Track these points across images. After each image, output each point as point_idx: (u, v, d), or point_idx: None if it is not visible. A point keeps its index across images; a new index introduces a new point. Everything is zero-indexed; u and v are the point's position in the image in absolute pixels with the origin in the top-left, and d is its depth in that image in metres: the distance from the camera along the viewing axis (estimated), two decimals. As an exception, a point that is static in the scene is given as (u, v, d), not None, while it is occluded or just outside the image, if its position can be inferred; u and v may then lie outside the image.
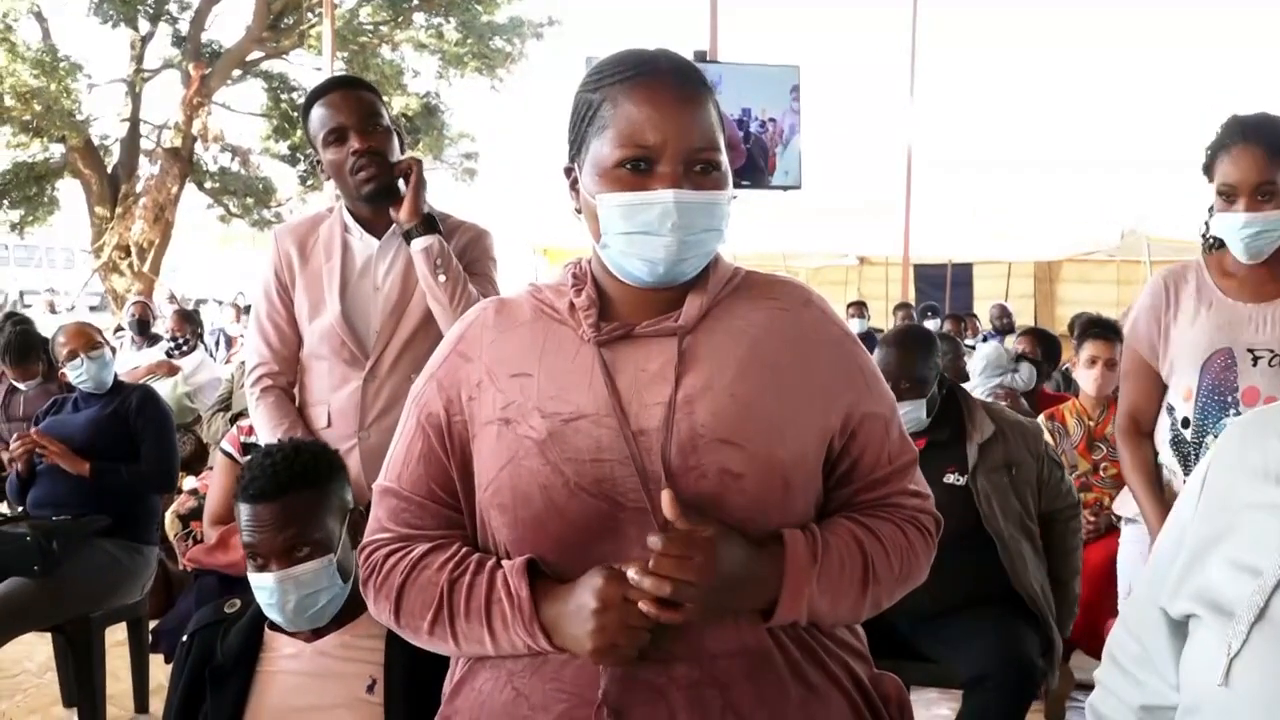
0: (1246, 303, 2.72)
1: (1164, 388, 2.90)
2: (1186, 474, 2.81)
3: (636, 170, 1.44)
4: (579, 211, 1.55)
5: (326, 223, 2.91)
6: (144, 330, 7.63)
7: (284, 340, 2.91)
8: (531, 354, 1.53)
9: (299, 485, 2.20)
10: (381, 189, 2.76)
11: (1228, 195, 2.65)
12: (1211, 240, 2.81)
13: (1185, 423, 2.78)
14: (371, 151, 2.75)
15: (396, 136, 2.84)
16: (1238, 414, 2.66)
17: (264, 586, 2.18)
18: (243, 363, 3.40)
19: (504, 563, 1.48)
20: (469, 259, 2.85)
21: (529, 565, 1.46)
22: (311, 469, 2.24)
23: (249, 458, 2.31)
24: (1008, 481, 3.29)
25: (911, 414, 3.31)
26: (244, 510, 2.20)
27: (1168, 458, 2.89)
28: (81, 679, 3.96)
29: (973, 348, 9.84)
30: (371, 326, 2.84)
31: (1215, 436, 2.68)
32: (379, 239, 2.86)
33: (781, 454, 1.47)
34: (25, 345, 5.44)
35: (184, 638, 2.39)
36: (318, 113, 2.79)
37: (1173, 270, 2.90)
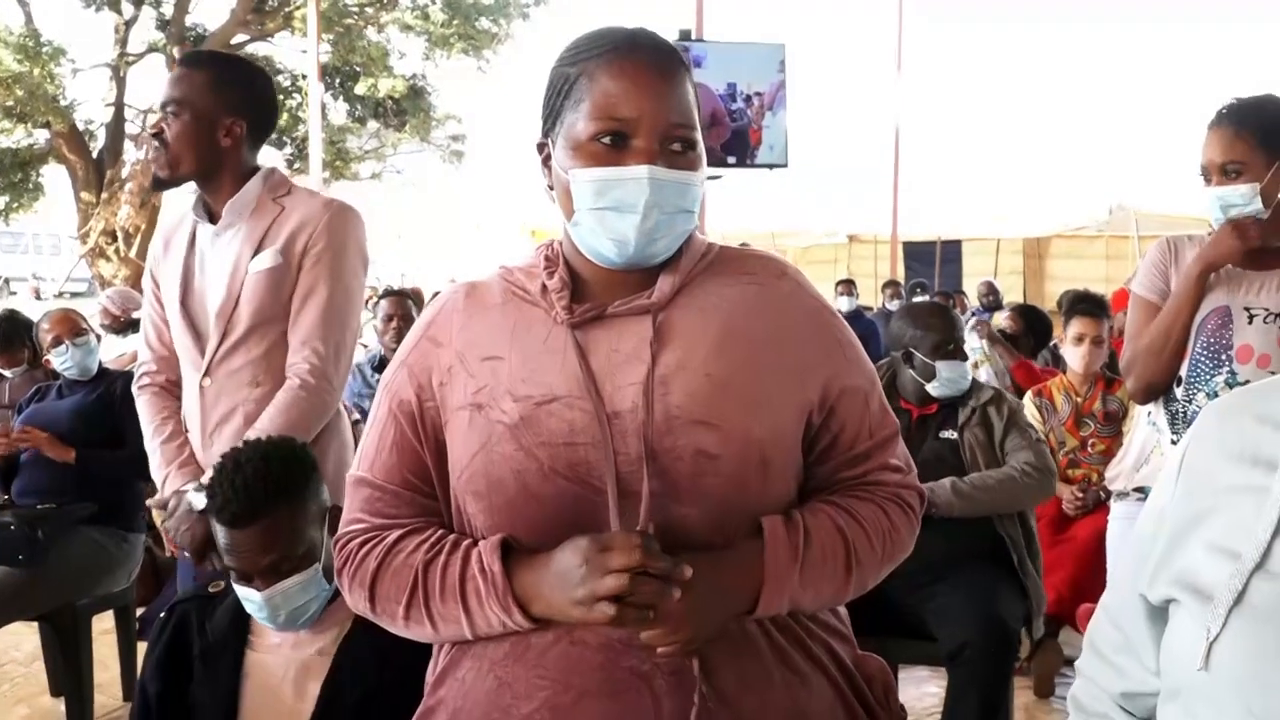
0: (1248, 269, 2.75)
1: None
2: (1173, 432, 2.84)
3: (612, 145, 1.42)
4: (551, 188, 1.53)
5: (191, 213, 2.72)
6: (117, 331, 7.51)
7: (160, 339, 2.77)
8: (503, 337, 1.51)
9: (275, 502, 2.10)
10: (160, 180, 2.61)
11: (1204, 175, 2.74)
12: None
13: (1177, 380, 2.80)
14: (154, 134, 2.59)
15: (207, 128, 2.58)
16: (1230, 372, 2.70)
17: (252, 600, 2.14)
18: None
19: (480, 541, 1.46)
20: (310, 248, 2.59)
21: (504, 543, 1.44)
22: (284, 480, 2.13)
23: (217, 468, 2.16)
24: (988, 438, 3.46)
25: (959, 375, 3.51)
26: (220, 531, 2.12)
27: (1157, 415, 2.91)
28: (69, 668, 3.94)
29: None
30: (209, 325, 2.63)
31: (1206, 394, 2.73)
32: (214, 225, 2.65)
33: (758, 432, 1.45)
34: (10, 331, 5.42)
35: (162, 613, 2.35)
36: None
37: (1178, 235, 2.94)
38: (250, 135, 2.66)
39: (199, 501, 2.48)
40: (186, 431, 2.69)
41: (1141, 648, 1.25)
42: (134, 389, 2.80)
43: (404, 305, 5.57)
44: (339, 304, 2.62)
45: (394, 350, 5.28)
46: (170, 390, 2.76)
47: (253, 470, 2.10)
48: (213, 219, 2.65)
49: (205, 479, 2.47)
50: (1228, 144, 2.66)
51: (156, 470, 2.69)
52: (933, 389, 3.51)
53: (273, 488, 2.10)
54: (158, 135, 2.58)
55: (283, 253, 2.58)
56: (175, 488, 2.62)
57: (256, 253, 2.58)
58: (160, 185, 2.64)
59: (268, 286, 2.57)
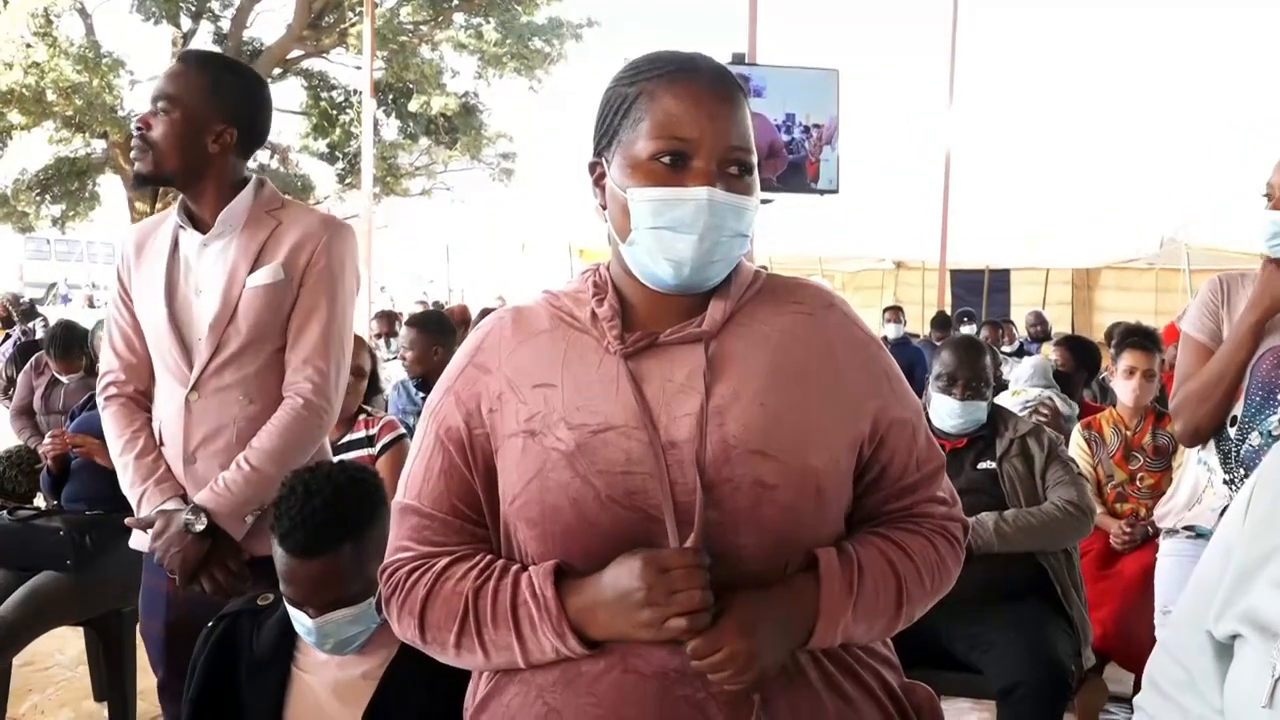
0: None
1: None
2: (1225, 471, 2.81)
3: (671, 165, 1.42)
4: (604, 208, 1.52)
5: (171, 218, 2.60)
6: None
7: (130, 347, 2.65)
8: (553, 364, 1.49)
9: (341, 538, 2.05)
10: (141, 176, 2.52)
11: (1267, 196, 2.72)
12: None
13: (1232, 420, 2.77)
14: (138, 128, 2.50)
15: (196, 130, 2.49)
16: None
17: (303, 624, 2.12)
18: None
19: (531, 566, 1.45)
20: (312, 265, 2.54)
21: (556, 568, 1.42)
22: (354, 514, 2.08)
23: (285, 491, 2.12)
24: (1028, 469, 3.47)
25: (974, 415, 3.54)
26: (280, 555, 2.07)
27: (1209, 454, 2.87)
28: (113, 673, 3.98)
29: (1009, 355, 9.73)
30: (196, 336, 2.53)
31: (1260, 434, 2.70)
32: (204, 234, 2.55)
33: (814, 462, 1.44)
34: (69, 339, 5.51)
35: (210, 624, 2.32)
36: None
37: (1230, 273, 2.91)
38: (240, 144, 2.57)
39: (198, 524, 2.42)
40: (161, 445, 2.59)
41: (1205, 685, 1.24)
42: (99, 399, 2.68)
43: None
44: (339, 324, 2.58)
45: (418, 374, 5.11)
46: (139, 402, 2.65)
47: (322, 501, 2.05)
48: (197, 226, 2.56)
49: (199, 499, 2.45)
50: None
51: (128, 487, 2.57)
52: (931, 417, 3.53)
53: (342, 523, 2.06)
54: (143, 130, 2.49)
55: (284, 268, 2.51)
56: (157, 505, 2.51)
57: (254, 266, 2.51)
58: (142, 182, 2.55)
59: (267, 302, 2.50)
